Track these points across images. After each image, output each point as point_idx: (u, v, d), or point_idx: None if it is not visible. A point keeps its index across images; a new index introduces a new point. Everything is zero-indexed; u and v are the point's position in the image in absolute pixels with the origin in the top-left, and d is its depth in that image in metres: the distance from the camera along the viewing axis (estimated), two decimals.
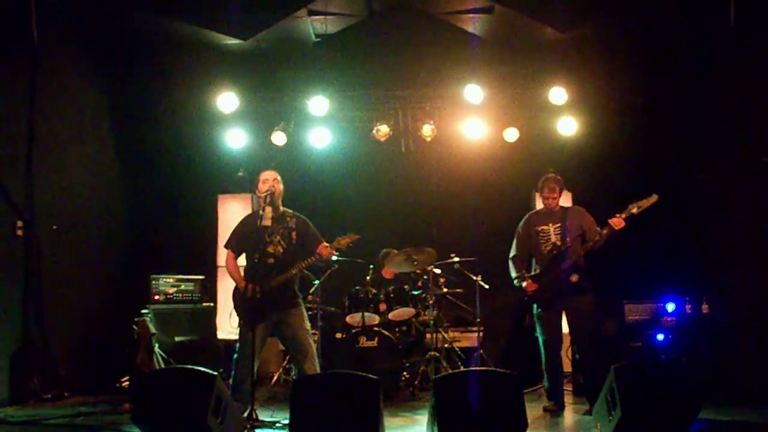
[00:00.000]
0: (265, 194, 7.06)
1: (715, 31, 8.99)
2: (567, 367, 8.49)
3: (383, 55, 11.16)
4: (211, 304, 10.06)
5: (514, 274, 8.00)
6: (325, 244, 7.19)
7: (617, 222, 7.32)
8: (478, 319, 9.27)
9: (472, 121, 10.92)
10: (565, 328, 7.92)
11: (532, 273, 7.91)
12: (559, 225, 7.79)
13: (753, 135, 8.83)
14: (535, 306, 7.87)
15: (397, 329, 9.32)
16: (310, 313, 7.89)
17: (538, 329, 7.89)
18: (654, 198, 7.30)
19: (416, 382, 8.92)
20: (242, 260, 7.44)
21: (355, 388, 5.75)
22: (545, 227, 7.87)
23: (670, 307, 9.21)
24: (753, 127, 8.85)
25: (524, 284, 7.81)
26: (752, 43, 8.55)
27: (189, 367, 5.94)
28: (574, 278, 7.58)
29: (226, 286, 8.82)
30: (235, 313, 7.39)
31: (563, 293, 7.64)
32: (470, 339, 10.24)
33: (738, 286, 9.07)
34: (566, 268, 7.60)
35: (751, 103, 8.85)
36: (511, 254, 8.10)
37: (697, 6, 9.15)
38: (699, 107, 9.86)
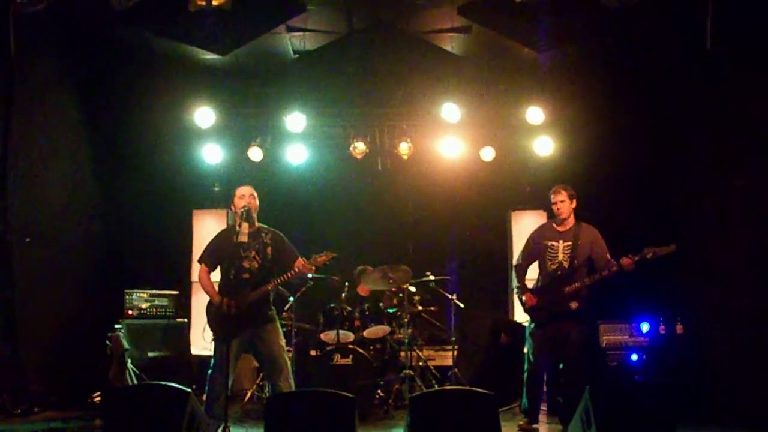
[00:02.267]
0: (242, 210, 7.03)
1: (691, 54, 9.06)
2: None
3: (361, 72, 11.17)
4: (185, 320, 10.01)
5: (515, 284, 7.95)
6: (302, 259, 7.15)
7: (628, 265, 7.27)
8: (453, 338, 9.27)
9: (448, 139, 10.97)
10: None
11: (533, 287, 7.87)
12: (569, 244, 7.66)
13: (728, 157, 8.90)
14: (529, 322, 7.85)
15: (371, 347, 9.29)
16: (284, 329, 7.85)
17: (528, 346, 7.83)
18: (672, 248, 7.22)
19: (390, 401, 8.89)
20: (215, 275, 7.39)
21: (329, 406, 5.74)
22: (555, 243, 7.75)
23: (645, 327, 9.26)
24: (728, 149, 8.92)
25: (524, 298, 7.76)
26: (728, 65, 8.63)
27: (162, 383, 5.92)
28: (574, 305, 7.48)
29: (200, 302, 8.78)
30: (208, 328, 7.33)
31: (560, 316, 7.56)
32: (445, 357, 10.24)
33: (712, 306, 9.12)
34: (569, 292, 7.51)
35: (726, 125, 8.93)
36: (516, 262, 8.07)
37: (674, 28, 9.22)
38: (674, 129, 9.94)
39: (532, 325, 7.80)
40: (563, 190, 7.78)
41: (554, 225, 7.92)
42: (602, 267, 7.48)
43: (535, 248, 7.91)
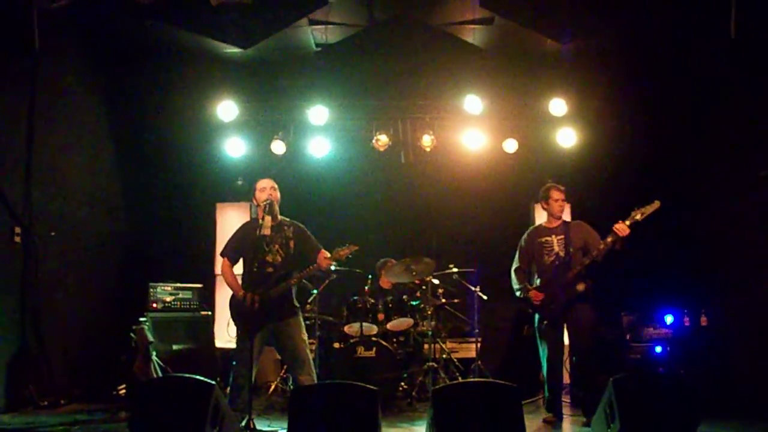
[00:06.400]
0: (264, 203, 7.04)
1: (715, 43, 9.00)
2: (565, 378, 8.46)
3: (383, 65, 11.17)
4: (209, 313, 10.05)
5: (516, 286, 7.98)
6: (325, 253, 7.16)
7: (622, 228, 7.28)
8: (476, 330, 9.26)
9: (471, 131, 10.94)
10: (565, 339, 7.89)
11: (535, 285, 7.87)
12: (562, 237, 7.78)
13: (752, 148, 8.83)
14: (537, 317, 7.85)
15: (395, 339, 9.30)
16: (308, 322, 7.87)
17: (539, 341, 7.86)
18: (656, 204, 7.28)
19: (414, 393, 8.90)
20: (237, 268, 7.41)
21: (353, 399, 5.74)
22: (548, 238, 7.86)
23: (669, 319, 9.21)
24: (752, 140, 8.85)
25: (530, 294, 7.77)
26: (752, 54, 8.56)
27: (186, 375, 5.92)
28: (581, 287, 7.51)
29: (224, 295, 8.79)
30: (232, 322, 7.36)
31: (567, 303, 7.59)
32: (468, 350, 10.24)
33: (736, 299, 9.05)
34: (571, 278, 7.55)
35: (751, 115, 8.85)
36: (514, 266, 8.08)
37: (698, 17, 9.16)
38: (698, 119, 9.87)
39: (542, 322, 7.81)
40: (563, 190, 8.01)
41: (543, 225, 8.11)
42: (597, 247, 7.50)
43: (530, 248, 8.02)
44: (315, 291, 9.31)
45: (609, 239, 7.38)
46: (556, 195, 7.92)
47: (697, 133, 9.92)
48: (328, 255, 7.13)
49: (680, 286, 9.59)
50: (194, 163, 11.45)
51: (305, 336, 7.26)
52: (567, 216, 10.20)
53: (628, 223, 7.28)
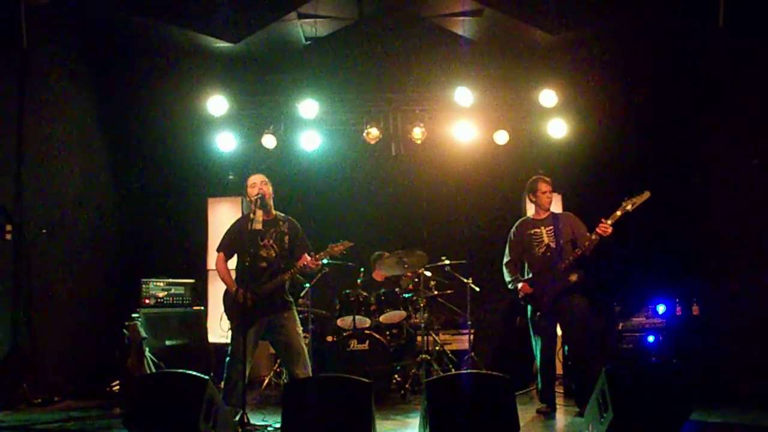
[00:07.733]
0: (255, 198, 7.03)
1: (704, 33, 9.01)
2: (558, 369, 8.48)
3: (373, 57, 11.16)
4: (202, 308, 10.06)
5: (508, 278, 7.99)
6: (306, 256, 7.18)
7: (604, 229, 7.32)
8: (469, 322, 9.27)
9: (462, 123, 10.94)
10: (558, 330, 7.91)
11: (527, 277, 7.89)
12: (551, 228, 7.79)
13: (743, 137, 8.85)
14: (529, 308, 7.86)
15: (388, 332, 9.30)
16: (301, 316, 7.86)
17: (533, 332, 7.87)
18: (646, 194, 7.30)
19: (408, 385, 8.89)
20: (231, 263, 7.40)
21: (346, 392, 5.74)
22: (537, 230, 7.86)
23: (661, 308, 9.23)
24: (743, 129, 8.87)
25: (519, 286, 7.79)
26: (741, 44, 8.57)
27: (180, 371, 5.92)
28: (573, 278, 7.54)
29: (216, 290, 8.80)
30: (225, 317, 7.36)
31: (558, 294, 7.61)
32: (461, 341, 10.23)
33: (728, 287, 9.07)
34: (562, 269, 7.57)
35: (741, 104, 8.87)
36: (505, 260, 8.08)
37: (686, 7, 9.17)
38: (688, 109, 9.88)
39: (535, 313, 7.82)
40: (550, 182, 8.02)
41: (532, 217, 8.11)
42: (584, 242, 7.55)
43: (520, 241, 8.03)
44: (307, 284, 9.31)
45: (593, 237, 7.41)
46: (543, 187, 7.93)
47: (687, 122, 9.92)
48: (309, 259, 7.14)
49: (672, 276, 9.60)
50: (185, 158, 11.42)
51: (300, 329, 7.26)
52: (558, 207, 10.27)
53: (619, 213, 7.30)
